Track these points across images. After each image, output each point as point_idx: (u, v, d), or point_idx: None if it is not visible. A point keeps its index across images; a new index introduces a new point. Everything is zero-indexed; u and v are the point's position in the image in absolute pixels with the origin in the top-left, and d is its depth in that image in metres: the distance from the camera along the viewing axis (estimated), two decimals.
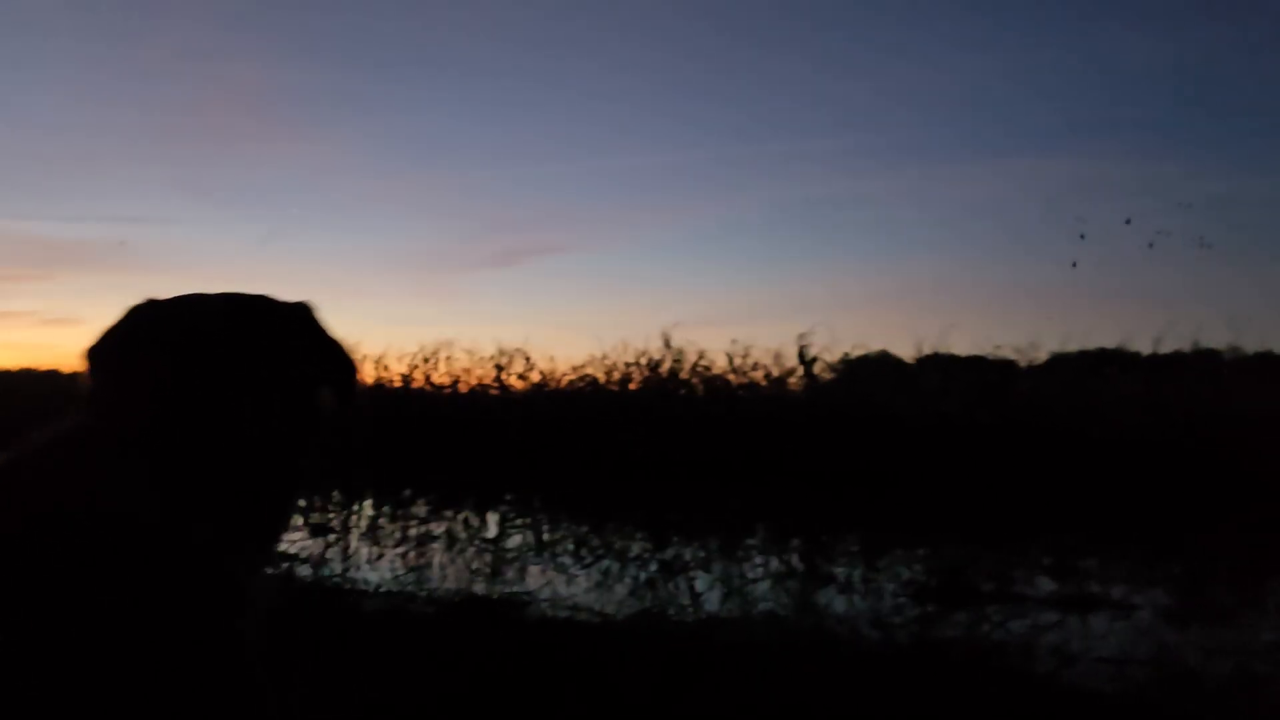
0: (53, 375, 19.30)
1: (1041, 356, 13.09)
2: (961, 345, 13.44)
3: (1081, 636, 4.51)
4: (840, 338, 14.26)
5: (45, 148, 31.25)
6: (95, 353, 1.21)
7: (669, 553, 7.43)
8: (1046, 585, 6.06)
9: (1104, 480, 9.15)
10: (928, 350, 13.11)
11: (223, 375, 1.15)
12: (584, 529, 8.68)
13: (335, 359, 1.38)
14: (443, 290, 29.18)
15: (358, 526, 8.45)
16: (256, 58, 27.86)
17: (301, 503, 9.12)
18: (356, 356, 1.45)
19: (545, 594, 5.11)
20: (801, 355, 12.93)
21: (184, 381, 1.13)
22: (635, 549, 7.63)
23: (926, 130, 26.64)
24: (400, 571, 6.32)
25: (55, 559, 0.92)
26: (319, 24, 28.84)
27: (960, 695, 3.05)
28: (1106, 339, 14.46)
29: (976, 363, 13.28)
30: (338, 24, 28.81)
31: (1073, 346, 13.24)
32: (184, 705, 0.94)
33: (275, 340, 1.24)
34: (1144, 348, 12.90)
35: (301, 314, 1.36)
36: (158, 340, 1.17)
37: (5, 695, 0.82)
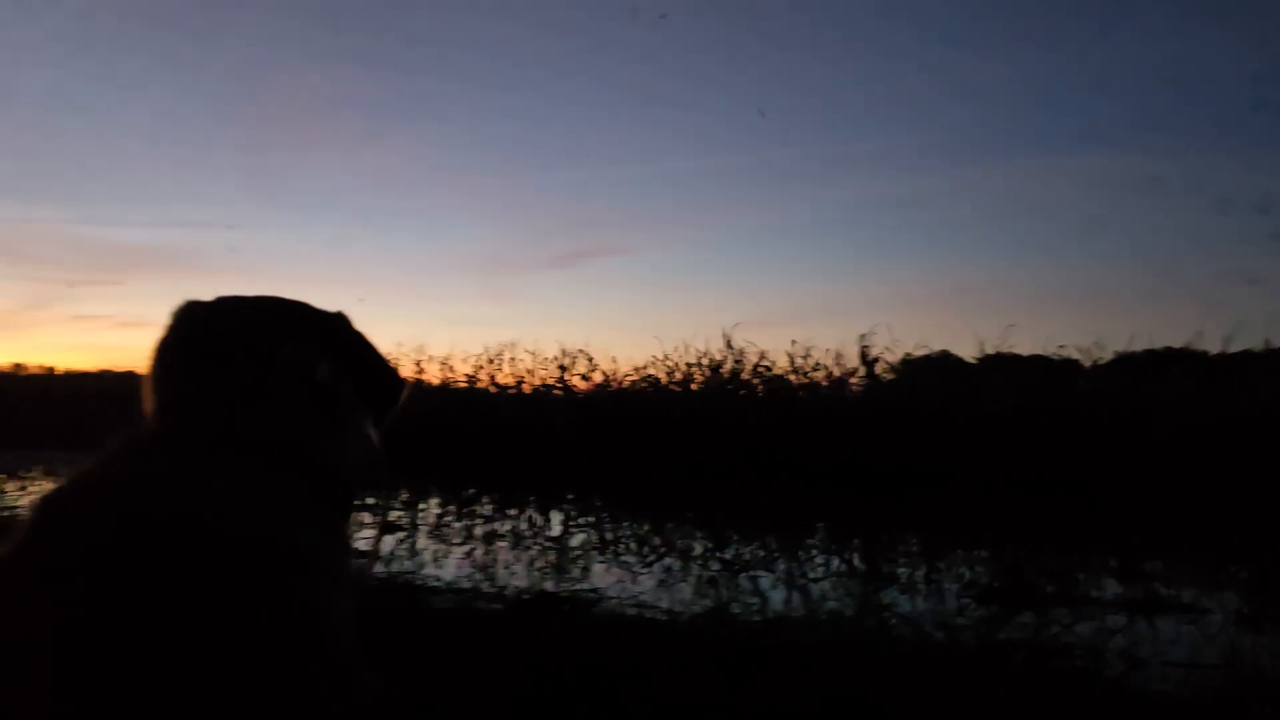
0: (129, 376, 19.87)
1: (1106, 356, 12.87)
2: (1023, 345, 13.27)
3: (1150, 640, 4.47)
4: (901, 338, 14.13)
5: (122, 159, 32.23)
6: (156, 358, 1.25)
7: (729, 552, 7.47)
8: (1112, 588, 5.99)
9: (1170, 481, 8.99)
10: (989, 350, 12.97)
11: (263, 382, 1.18)
12: (645, 528, 8.76)
13: (372, 369, 1.37)
14: (506, 292, 29.52)
15: (424, 524, 8.61)
16: (322, 67, 28.43)
17: (371, 500, 9.34)
18: (397, 368, 1.43)
19: (611, 591, 5.19)
20: (863, 355, 12.88)
21: (232, 387, 1.16)
22: (696, 548, 7.68)
23: (988, 127, 26.31)
24: (467, 569, 6.45)
25: (171, 562, 0.91)
26: (383, 32, 29.33)
27: (1029, 698, 3.06)
28: (1173, 338, 14.20)
29: (1038, 362, 13.10)
30: (401, 31, 29.30)
31: (1138, 346, 12.99)
32: (289, 683, 0.93)
33: (308, 348, 1.26)
34: (1212, 346, 12.61)
35: (339, 324, 1.36)
36: (204, 346, 1.22)
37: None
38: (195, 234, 32.02)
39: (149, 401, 1.23)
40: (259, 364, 1.21)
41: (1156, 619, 4.97)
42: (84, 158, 32.66)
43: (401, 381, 1.45)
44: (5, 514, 7.06)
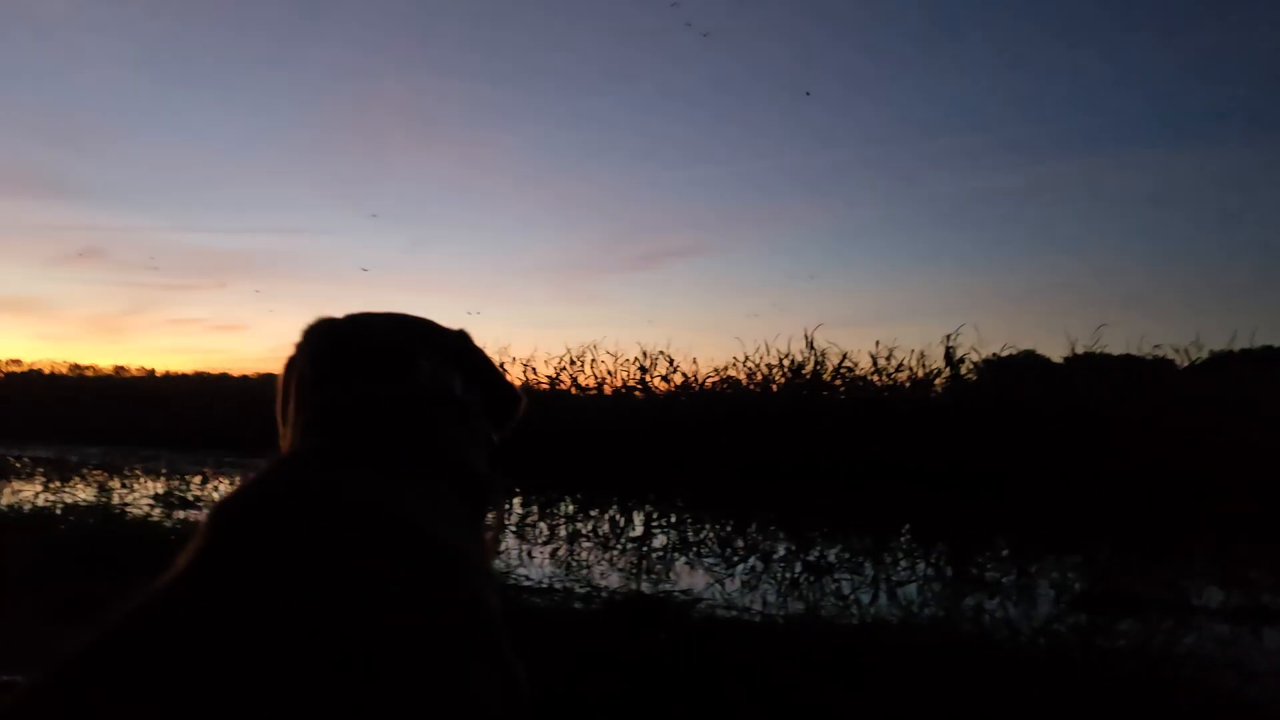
0: (223, 378, 20.51)
1: (1203, 355, 12.48)
2: (1115, 344, 12.95)
3: (1262, 652, 4.33)
4: (987, 337, 13.94)
5: (216, 168, 33.29)
6: (297, 374, 1.29)
7: (813, 554, 7.44)
8: (1213, 596, 5.82)
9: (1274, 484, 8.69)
10: (1079, 349, 12.69)
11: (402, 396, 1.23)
12: (728, 529, 8.76)
13: (494, 383, 1.43)
14: (587, 294, 29.77)
15: (509, 525, 8.73)
16: (406, 74, 28.99)
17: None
18: (516, 385, 1.48)
19: (702, 593, 5.21)
20: (948, 355, 12.70)
21: (384, 402, 1.21)
22: (779, 550, 7.66)
23: (1072, 122, 25.66)
24: (554, 569, 6.52)
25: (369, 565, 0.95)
26: (464, 39, 29.75)
27: (1139, 709, 3.00)
28: (1276, 336, 13.70)
29: (1129, 362, 12.76)
30: (482, 38, 29.67)
31: (1238, 344, 12.57)
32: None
33: (443, 364, 1.32)
34: None
35: (463, 341, 1.41)
36: (348, 363, 1.27)
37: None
38: (283, 239, 32.96)
39: (290, 414, 1.27)
40: (403, 380, 1.26)
41: (1264, 629, 4.82)
42: (178, 167, 33.83)
43: (519, 396, 1.51)
44: (115, 511, 7.34)
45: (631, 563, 6.89)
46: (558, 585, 5.67)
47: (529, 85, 30.80)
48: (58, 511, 7.14)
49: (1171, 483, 9.14)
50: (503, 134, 31.67)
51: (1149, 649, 3.90)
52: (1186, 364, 12.42)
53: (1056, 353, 13.10)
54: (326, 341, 1.32)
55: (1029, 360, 13.30)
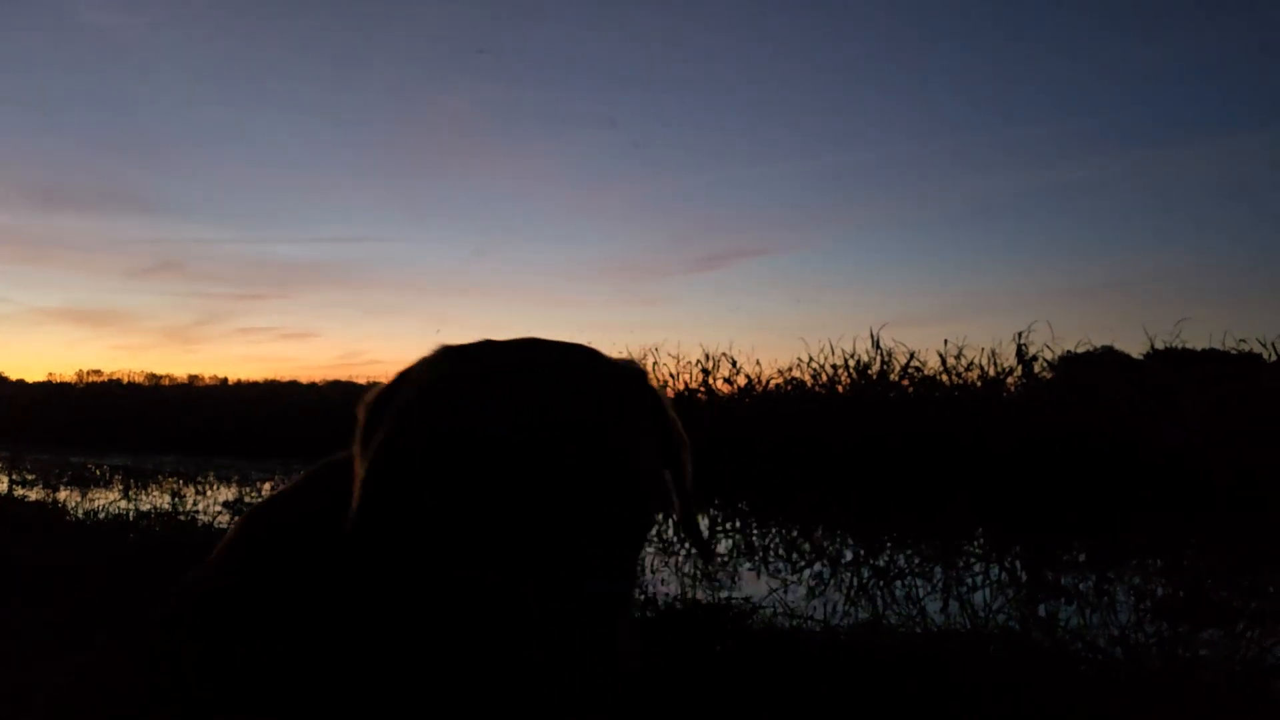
0: (292, 386, 20.88)
1: None
2: (1197, 339, 12.49)
3: None
4: (1061, 334, 13.55)
5: (281, 180, 34.09)
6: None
7: (882, 559, 7.27)
8: None
9: None
10: (1159, 345, 12.27)
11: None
12: (793, 533, 8.61)
13: (672, 435, 1.17)
14: (648, 296, 29.80)
15: None
16: (464, 81, 29.31)
17: None
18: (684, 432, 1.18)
19: (760, 599, 5.09)
20: (1020, 353, 12.38)
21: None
22: (847, 554, 7.51)
23: (1148, 109, 24.89)
24: None
25: None
26: (522, 45, 29.98)
27: None
28: None
29: (1213, 357, 12.31)
30: (538, 43, 29.86)
31: None
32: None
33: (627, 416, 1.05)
34: None
35: (638, 380, 1.14)
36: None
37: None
38: (350, 248, 33.57)
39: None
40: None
41: None
42: (246, 179, 34.72)
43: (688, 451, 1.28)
44: (183, 518, 7.46)
45: (694, 569, 6.79)
46: None
47: (587, 88, 30.90)
48: (130, 518, 7.29)
49: (1262, 481, 8.76)
50: (562, 137, 31.86)
51: (1236, 660, 3.69)
52: (1275, 358, 11.95)
53: (1135, 348, 12.73)
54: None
55: (1107, 356, 12.93)
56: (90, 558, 5.16)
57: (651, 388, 1.14)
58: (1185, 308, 24.99)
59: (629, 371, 1.11)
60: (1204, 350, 12.49)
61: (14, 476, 12.91)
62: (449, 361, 1.03)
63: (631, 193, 31.61)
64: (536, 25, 30.06)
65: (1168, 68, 24.40)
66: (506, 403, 0.90)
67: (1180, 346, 12.19)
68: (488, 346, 1.05)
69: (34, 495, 9.88)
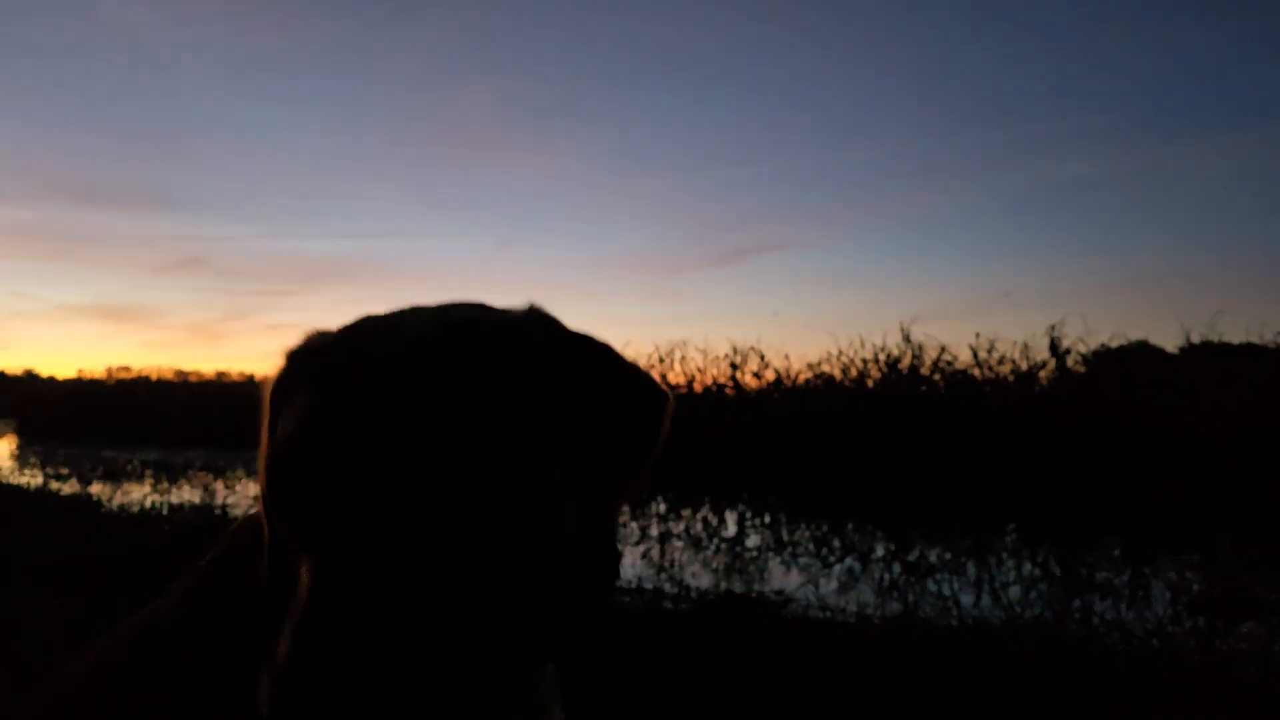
0: None
1: None
2: (1234, 332, 12.29)
3: None
4: (1095, 328, 13.40)
5: (306, 177, 34.32)
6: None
7: (913, 554, 7.21)
8: None
9: None
10: (1195, 339, 12.09)
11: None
12: (823, 529, 8.57)
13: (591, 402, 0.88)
14: (675, 290, 29.74)
15: None
16: (485, 78, 29.34)
17: None
18: (657, 382, 0.95)
19: (795, 594, 5.07)
20: (1053, 347, 12.24)
21: None
22: (878, 550, 7.46)
23: (1182, 100, 24.51)
24: (644, 568, 6.44)
25: None
26: (545, 44, 30.01)
27: (1262, 717, 2.77)
28: None
29: (1250, 351, 12.12)
30: (559, 41, 29.89)
31: None
32: None
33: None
34: None
35: (512, 332, 0.88)
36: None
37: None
38: (373, 243, 33.74)
39: None
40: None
41: None
42: (272, 177, 34.97)
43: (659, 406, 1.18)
44: (217, 512, 7.52)
45: (724, 563, 6.77)
46: (649, 585, 5.57)
47: (608, 84, 30.89)
48: (164, 511, 7.35)
49: None
50: (583, 134, 31.84)
51: (1274, 653, 3.63)
52: None
53: (1170, 342, 12.55)
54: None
55: (1142, 350, 12.76)
56: (124, 548, 5.21)
57: (557, 338, 0.91)
58: (1222, 301, 24.53)
59: (504, 321, 0.89)
60: (1241, 344, 12.31)
61: (49, 471, 13.06)
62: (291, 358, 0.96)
63: (654, 187, 31.54)
64: (559, 20, 30.09)
65: (1213, 58, 23.97)
66: (327, 389, 0.84)
67: (1217, 340, 12.02)
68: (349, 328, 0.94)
69: (68, 489, 9.98)
